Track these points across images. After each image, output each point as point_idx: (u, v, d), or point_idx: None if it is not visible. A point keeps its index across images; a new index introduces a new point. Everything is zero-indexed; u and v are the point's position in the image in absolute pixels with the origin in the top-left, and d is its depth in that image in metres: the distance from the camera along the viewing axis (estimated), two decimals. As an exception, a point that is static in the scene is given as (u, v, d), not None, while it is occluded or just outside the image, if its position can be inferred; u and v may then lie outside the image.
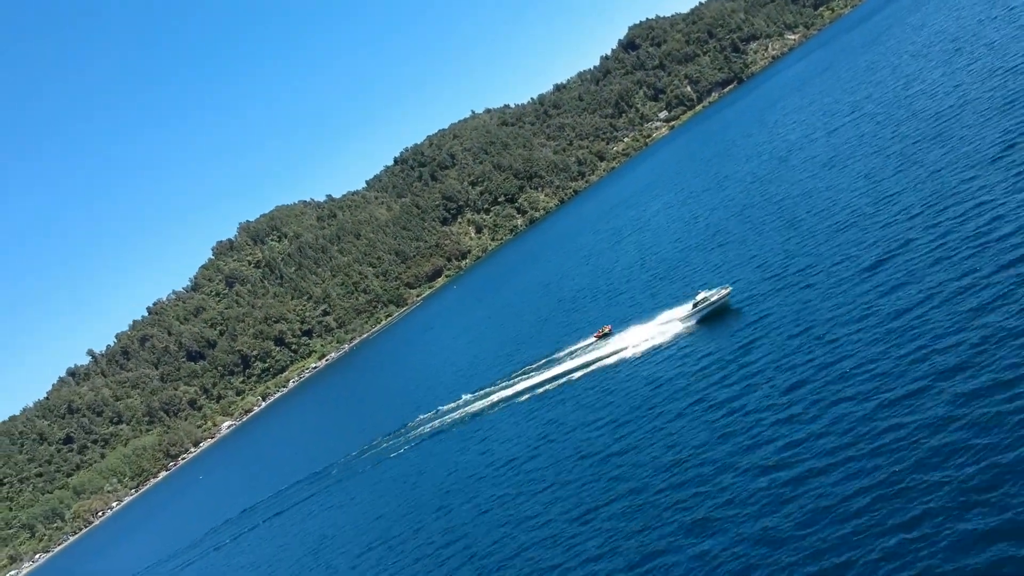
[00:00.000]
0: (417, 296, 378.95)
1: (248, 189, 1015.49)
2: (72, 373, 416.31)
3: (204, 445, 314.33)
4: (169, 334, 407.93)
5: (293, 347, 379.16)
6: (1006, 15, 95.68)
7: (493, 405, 76.44)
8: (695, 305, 61.80)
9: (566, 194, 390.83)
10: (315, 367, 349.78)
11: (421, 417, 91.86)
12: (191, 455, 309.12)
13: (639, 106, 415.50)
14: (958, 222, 47.28)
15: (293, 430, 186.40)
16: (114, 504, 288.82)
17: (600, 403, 58.44)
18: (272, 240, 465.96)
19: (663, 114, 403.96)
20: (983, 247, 42.28)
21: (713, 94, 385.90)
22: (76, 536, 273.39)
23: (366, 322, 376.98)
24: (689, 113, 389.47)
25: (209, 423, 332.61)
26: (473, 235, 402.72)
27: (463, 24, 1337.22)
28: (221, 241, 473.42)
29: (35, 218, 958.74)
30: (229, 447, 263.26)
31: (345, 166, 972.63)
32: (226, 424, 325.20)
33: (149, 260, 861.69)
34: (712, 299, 59.96)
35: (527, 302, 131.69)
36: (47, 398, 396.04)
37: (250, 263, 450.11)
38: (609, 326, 74.52)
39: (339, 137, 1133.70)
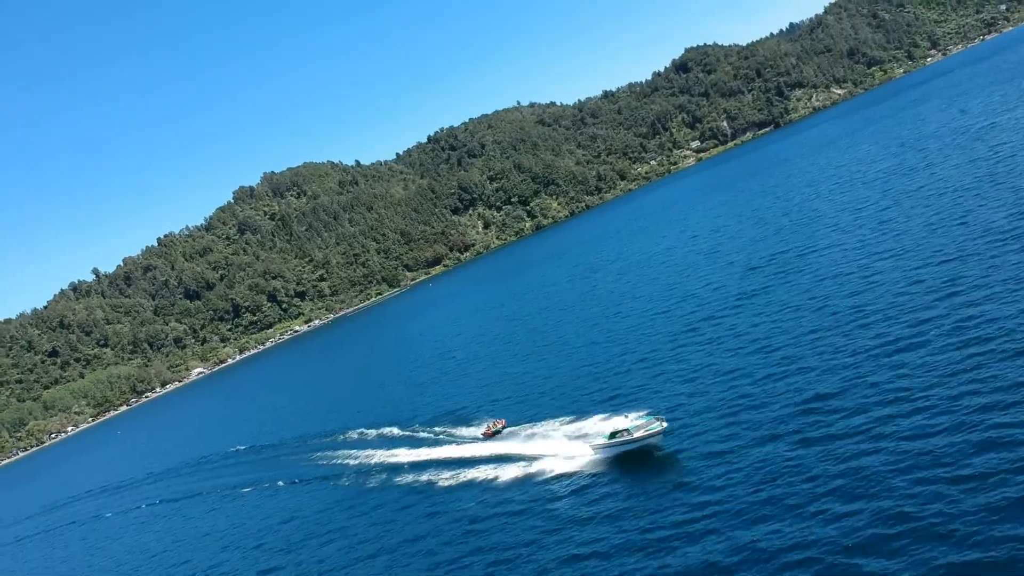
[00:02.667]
0: (412, 280, 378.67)
1: (285, 139, 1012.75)
2: (74, 288, 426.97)
3: (170, 387, 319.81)
4: (172, 268, 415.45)
5: (284, 306, 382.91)
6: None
7: (323, 475, 68.64)
8: (613, 435, 46.44)
9: (578, 207, 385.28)
10: (297, 331, 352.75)
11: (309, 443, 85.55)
12: (155, 395, 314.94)
13: (674, 131, 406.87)
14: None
15: (239, 399, 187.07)
16: (70, 428, 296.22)
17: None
18: (291, 195, 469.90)
19: (695, 144, 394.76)
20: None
21: (748, 133, 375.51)
22: (25, 453, 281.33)
23: (357, 296, 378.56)
24: (720, 148, 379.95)
25: (184, 365, 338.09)
26: (480, 230, 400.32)
27: (528, 10, 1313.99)
28: (243, 187, 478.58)
29: (86, 132, 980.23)
30: (188, 395, 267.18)
31: (382, 134, 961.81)
32: (196, 370, 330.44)
33: (178, 190, 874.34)
34: (636, 435, 44.63)
35: (479, 340, 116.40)
36: (45, 307, 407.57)
37: (265, 214, 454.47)
38: (503, 421, 61.78)
39: (384, 105, 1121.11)
